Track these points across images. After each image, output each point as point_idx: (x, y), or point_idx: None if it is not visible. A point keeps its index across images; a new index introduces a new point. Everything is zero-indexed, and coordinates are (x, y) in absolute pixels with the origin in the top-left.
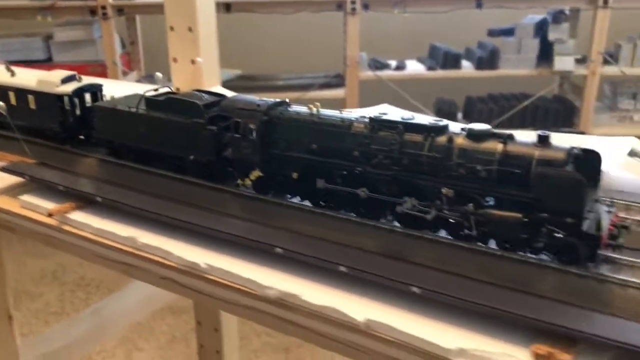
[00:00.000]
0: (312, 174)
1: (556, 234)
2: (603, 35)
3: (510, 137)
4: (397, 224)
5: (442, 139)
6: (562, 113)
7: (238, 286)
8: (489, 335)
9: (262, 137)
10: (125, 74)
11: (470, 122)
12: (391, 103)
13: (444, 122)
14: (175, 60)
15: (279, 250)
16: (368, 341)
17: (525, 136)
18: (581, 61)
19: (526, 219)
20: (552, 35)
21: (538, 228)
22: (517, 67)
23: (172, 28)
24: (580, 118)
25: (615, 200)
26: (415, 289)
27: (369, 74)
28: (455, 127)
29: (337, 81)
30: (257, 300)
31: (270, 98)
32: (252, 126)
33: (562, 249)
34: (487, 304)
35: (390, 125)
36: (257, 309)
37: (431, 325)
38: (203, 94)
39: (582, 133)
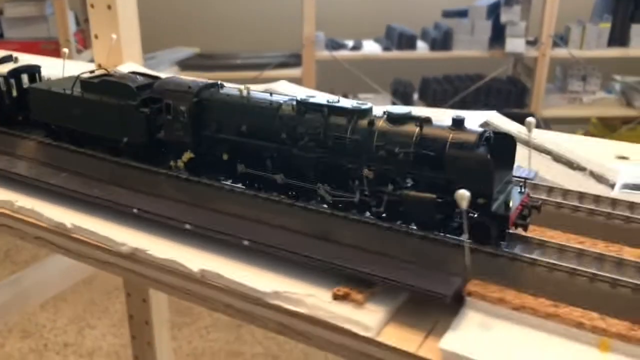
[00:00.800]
0: (241, 156)
1: (470, 214)
2: (553, 18)
3: (427, 121)
4: (325, 206)
5: (364, 122)
6: (514, 94)
7: (97, 243)
8: (300, 280)
9: (193, 118)
10: (79, 52)
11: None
12: (348, 83)
13: (367, 105)
14: (96, 36)
15: (135, 211)
16: (202, 288)
17: (478, 116)
18: (532, 43)
19: (440, 200)
20: (504, 17)
21: (452, 208)
22: (470, 49)
23: (92, 5)
24: (531, 99)
25: (529, 182)
26: (245, 242)
27: (325, 53)
28: (378, 110)
29: (294, 60)
30: (113, 255)
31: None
32: (182, 108)
33: (474, 229)
34: (298, 252)
35: (316, 107)
36: (113, 263)
37: (254, 273)
38: (137, 76)
39: (532, 115)
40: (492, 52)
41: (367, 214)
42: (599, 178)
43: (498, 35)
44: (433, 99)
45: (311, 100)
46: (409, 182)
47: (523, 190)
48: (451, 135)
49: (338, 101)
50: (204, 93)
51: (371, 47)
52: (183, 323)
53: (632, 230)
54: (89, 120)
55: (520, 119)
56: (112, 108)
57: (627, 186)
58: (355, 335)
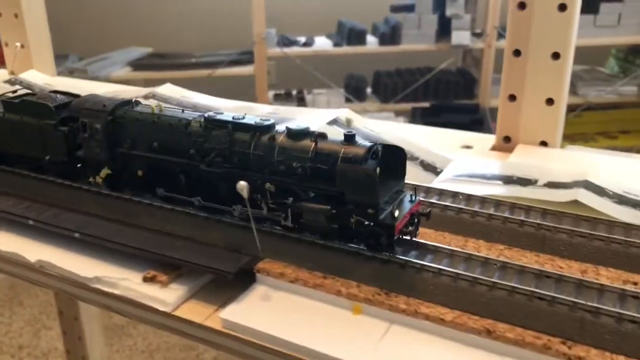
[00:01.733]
0: (155, 172)
1: (365, 223)
2: (497, 10)
3: (322, 136)
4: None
5: (265, 138)
6: (462, 85)
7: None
8: (119, 266)
9: (108, 136)
10: None
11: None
12: (302, 80)
13: (270, 121)
14: (6, 44)
15: None
16: (40, 276)
17: (329, 114)
18: (479, 35)
19: (334, 211)
20: (449, 11)
21: (347, 219)
22: (417, 42)
23: (0, 14)
24: (479, 90)
25: (419, 190)
26: (76, 235)
27: (276, 50)
28: (281, 127)
29: (247, 58)
30: None
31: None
32: (97, 126)
33: (368, 237)
34: (115, 240)
35: (222, 124)
36: None
37: (82, 261)
38: (58, 95)
39: (477, 105)
40: (439, 45)
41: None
42: (427, 166)
43: (445, 29)
44: (385, 93)
45: (218, 117)
46: (312, 194)
47: (413, 198)
48: (342, 150)
49: (243, 117)
50: (118, 111)
51: (322, 43)
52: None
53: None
54: (12, 139)
55: (468, 110)
56: (33, 127)
57: (457, 175)
58: (157, 311)
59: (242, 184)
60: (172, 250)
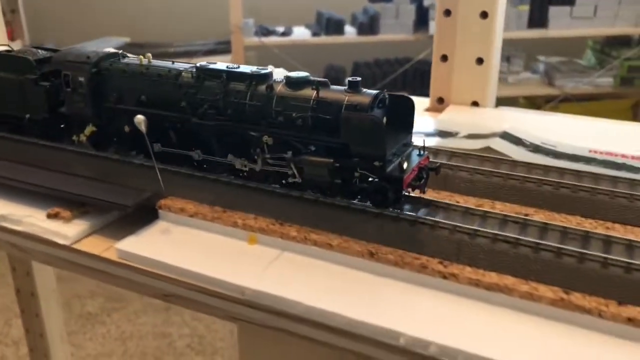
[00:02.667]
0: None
1: (369, 178)
2: None
3: (324, 84)
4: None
5: (262, 87)
6: None
7: None
8: (26, 205)
9: (92, 90)
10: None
11: None
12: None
13: (267, 70)
14: None
15: None
16: None
17: None
18: None
19: (337, 164)
20: (427, 1)
21: (351, 173)
22: (395, 32)
23: None
24: None
25: (428, 145)
26: None
27: (254, 40)
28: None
29: (224, 48)
30: None
31: None
32: (81, 79)
33: (373, 192)
34: (21, 179)
35: (215, 74)
36: None
37: None
38: (39, 50)
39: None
40: (417, 36)
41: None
42: None
43: (422, 19)
44: (364, 83)
45: (210, 66)
46: (312, 148)
47: (422, 152)
48: (347, 98)
49: (238, 67)
50: (103, 63)
51: (301, 33)
52: (112, 309)
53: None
54: None
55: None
56: (12, 83)
57: None
58: (57, 245)
59: (140, 118)
60: (75, 188)
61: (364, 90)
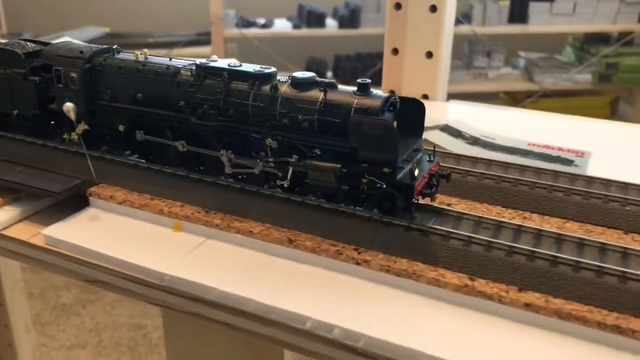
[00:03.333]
0: (138, 127)
1: (377, 185)
2: None
3: (332, 85)
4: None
5: (266, 88)
6: None
7: None
8: None
9: (86, 86)
10: None
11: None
12: (262, 62)
13: (271, 69)
14: None
15: None
16: None
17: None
18: None
19: (345, 170)
20: None
21: (358, 179)
22: (376, 26)
23: None
24: None
25: (438, 150)
26: None
27: (234, 31)
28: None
29: (205, 39)
30: None
31: None
32: (74, 75)
33: (381, 200)
34: None
35: (216, 72)
36: None
37: None
38: (28, 43)
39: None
40: None
41: (273, 186)
42: None
43: None
44: (344, 77)
45: (211, 64)
46: (317, 152)
47: (432, 158)
48: (356, 101)
49: (240, 65)
50: (97, 59)
51: (282, 25)
52: (88, 300)
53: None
54: None
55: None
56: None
57: None
58: None
59: (69, 105)
60: (11, 176)
61: (374, 92)
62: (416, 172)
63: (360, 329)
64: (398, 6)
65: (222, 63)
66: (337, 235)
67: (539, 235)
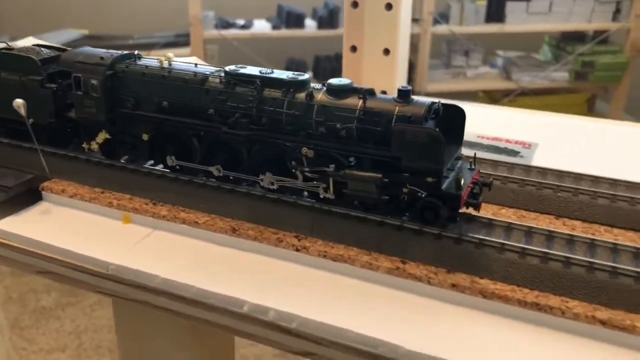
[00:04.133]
0: (164, 135)
1: (419, 194)
2: None
3: (370, 92)
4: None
5: (301, 95)
6: None
7: None
8: None
9: (107, 93)
10: None
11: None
12: (242, 63)
13: (305, 76)
14: None
15: None
16: None
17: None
18: (415, 21)
19: (386, 179)
20: None
21: (399, 189)
22: None
23: None
24: (416, 75)
25: (478, 158)
26: None
27: (213, 32)
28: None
29: (183, 40)
30: None
31: None
32: (94, 82)
33: (424, 209)
34: None
35: (248, 79)
36: None
37: None
38: (43, 49)
39: (411, 90)
40: None
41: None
42: None
43: None
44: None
45: (241, 70)
46: (352, 161)
47: (473, 166)
48: (397, 108)
49: (272, 72)
50: (118, 65)
51: (261, 26)
52: (68, 303)
53: None
54: None
55: None
56: (14, 85)
57: None
58: None
59: (18, 101)
60: None
61: (415, 99)
62: (462, 182)
63: (294, 311)
64: (355, 4)
65: (253, 70)
66: (279, 224)
67: (471, 219)
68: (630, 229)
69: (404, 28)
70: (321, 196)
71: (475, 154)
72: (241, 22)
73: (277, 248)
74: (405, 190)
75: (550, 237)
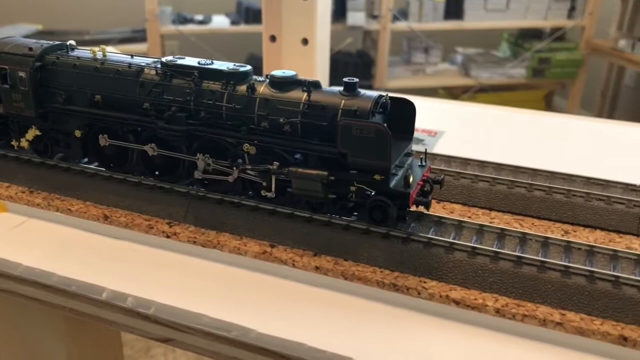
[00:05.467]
0: (97, 131)
1: (367, 193)
2: None
3: (315, 85)
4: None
5: (242, 88)
6: (361, 67)
7: None
8: None
9: (36, 87)
10: None
11: None
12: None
13: (246, 67)
14: None
15: None
16: None
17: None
18: (374, 17)
19: (332, 177)
20: None
21: (346, 187)
22: None
23: None
24: (376, 71)
25: (429, 154)
26: None
27: (171, 28)
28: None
29: (140, 36)
30: None
31: None
32: (22, 74)
33: (372, 209)
34: None
35: (185, 71)
36: None
37: None
38: None
39: (370, 87)
40: (336, 26)
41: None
42: None
43: (341, 10)
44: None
45: (179, 61)
46: (297, 157)
47: (424, 163)
48: (343, 102)
49: (212, 63)
50: (48, 56)
51: (220, 22)
52: None
53: None
54: None
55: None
56: None
57: None
58: None
59: None
60: None
61: (362, 92)
62: (411, 179)
63: (153, 297)
64: None
65: (191, 61)
66: (152, 211)
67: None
68: (507, 212)
69: (323, 18)
70: (263, 194)
71: (426, 149)
72: (199, 17)
73: (148, 235)
74: (352, 188)
75: (418, 219)
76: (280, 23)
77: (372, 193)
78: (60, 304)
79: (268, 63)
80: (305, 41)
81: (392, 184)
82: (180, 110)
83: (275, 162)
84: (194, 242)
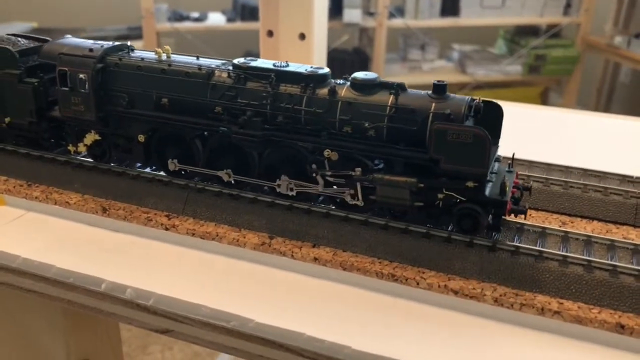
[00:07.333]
0: (162, 136)
1: (454, 200)
2: None
3: (402, 87)
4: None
5: (323, 91)
6: (357, 64)
7: None
8: None
9: (97, 90)
10: None
11: None
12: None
13: (325, 69)
14: None
15: None
16: None
17: None
18: (372, 14)
19: (422, 184)
20: None
21: (434, 194)
22: None
23: None
24: (372, 68)
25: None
26: None
27: (166, 25)
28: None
29: (136, 33)
30: None
31: None
32: (83, 76)
33: (462, 217)
34: None
35: (261, 73)
36: None
37: None
38: (20, 39)
39: None
40: (332, 23)
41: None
42: None
43: (337, 7)
44: None
45: (252, 63)
46: (378, 164)
47: (511, 168)
48: (434, 105)
49: (287, 65)
50: (110, 57)
51: (216, 19)
52: None
53: None
54: None
55: None
56: None
57: None
58: None
59: None
60: None
61: (451, 95)
62: (507, 187)
63: (152, 288)
64: None
65: (266, 63)
66: (149, 204)
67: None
68: None
69: (320, 13)
70: (349, 202)
71: (513, 154)
72: (195, 14)
73: (147, 227)
74: (440, 195)
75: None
76: (278, 18)
77: (459, 200)
78: (59, 296)
79: (265, 57)
80: (302, 36)
81: (487, 191)
82: (255, 115)
83: (357, 169)
84: (193, 234)
